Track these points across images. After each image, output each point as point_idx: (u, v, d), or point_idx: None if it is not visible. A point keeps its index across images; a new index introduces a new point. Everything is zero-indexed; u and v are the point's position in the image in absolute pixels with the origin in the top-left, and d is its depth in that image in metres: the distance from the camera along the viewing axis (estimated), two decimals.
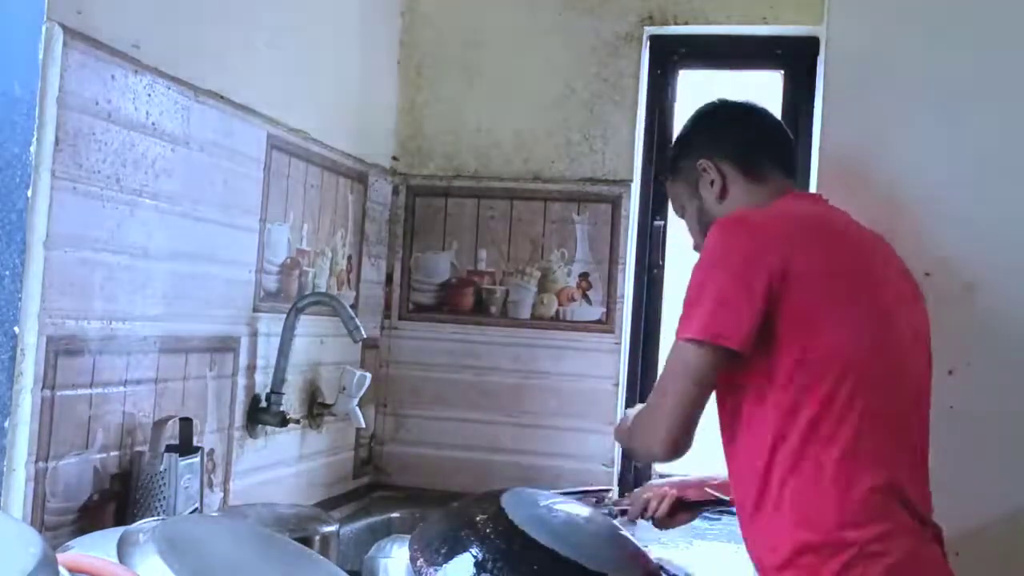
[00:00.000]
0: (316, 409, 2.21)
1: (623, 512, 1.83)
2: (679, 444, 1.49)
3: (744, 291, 1.45)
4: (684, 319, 1.50)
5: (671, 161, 1.79)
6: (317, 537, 1.58)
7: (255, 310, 1.97)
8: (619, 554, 1.46)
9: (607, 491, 2.11)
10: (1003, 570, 1.86)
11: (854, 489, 1.42)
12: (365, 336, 2.05)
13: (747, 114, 1.77)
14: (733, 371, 1.49)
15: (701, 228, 1.68)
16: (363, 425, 2.25)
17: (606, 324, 2.51)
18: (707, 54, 2.61)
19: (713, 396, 1.54)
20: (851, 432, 1.44)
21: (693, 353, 1.47)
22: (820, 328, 1.46)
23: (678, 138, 1.80)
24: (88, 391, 1.50)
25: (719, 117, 1.77)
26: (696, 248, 1.73)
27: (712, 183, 1.67)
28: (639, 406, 1.71)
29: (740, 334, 1.44)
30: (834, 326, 1.47)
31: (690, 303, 1.50)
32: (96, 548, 1.09)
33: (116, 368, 1.56)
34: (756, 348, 1.46)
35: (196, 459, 1.64)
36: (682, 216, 1.78)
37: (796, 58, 2.51)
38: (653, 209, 2.61)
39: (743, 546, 2.13)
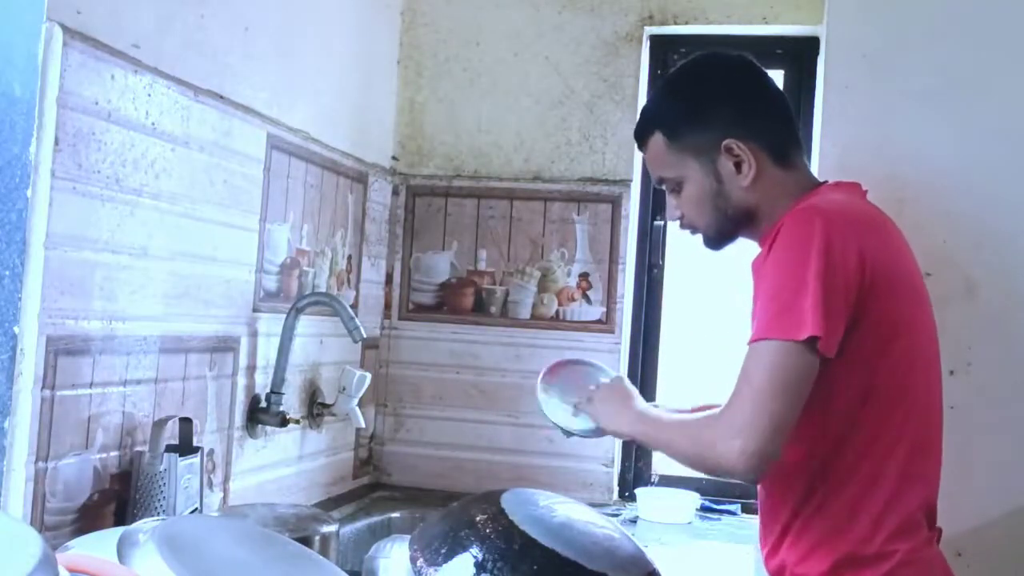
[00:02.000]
0: (316, 409, 2.21)
1: None
2: (760, 459, 1.29)
3: (842, 293, 1.31)
4: (783, 316, 1.30)
5: (668, 124, 1.51)
6: (317, 537, 1.58)
7: (255, 310, 1.97)
8: (619, 554, 1.46)
9: None
10: (1004, 570, 1.86)
11: (904, 504, 1.39)
12: (365, 336, 2.05)
13: (768, 85, 1.54)
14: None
15: (715, 214, 1.50)
16: (363, 425, 2.25)
17: (606, 324, 2.51)
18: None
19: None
20: (908, 447, 1.39)
21: (801, 354, 1.29)
22: (896, 336, 1.37)
23: (688, 97, 1.52)
24: (88, 391, 1.50)
25: (742, 85, 1.52)
26: (687, 226, 1.56)
27: (740, 168, 1.46)
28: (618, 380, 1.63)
29: (835, 336, 1.30)
30: (907, 335, 1.39)
31: (787, 301, 1.30)
32: (96, 548, 1.09)
33: (116, 368, 1.56)
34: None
35: (196, 459, 1.64)
36: (672, 188, 1.54)
37: (796, 58, 2.52)
38: (653, 209, 2.61)
39: (742, 546, 2.13)
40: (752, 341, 1.34)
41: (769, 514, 1.49)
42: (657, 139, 1.53)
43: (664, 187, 1.56)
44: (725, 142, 1.46)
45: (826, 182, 1.53)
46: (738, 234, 1.54)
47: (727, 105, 1.49)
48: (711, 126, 1.47)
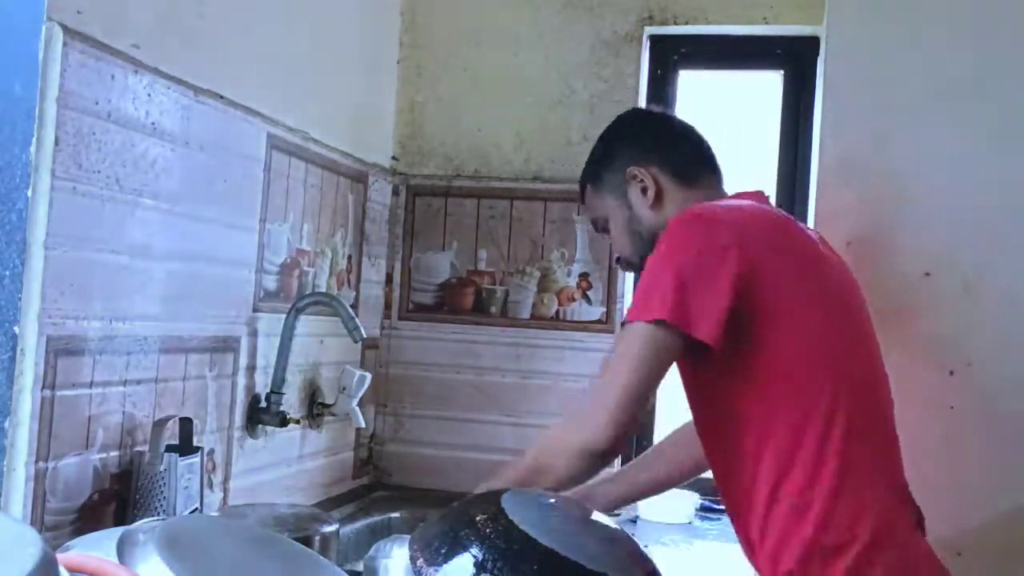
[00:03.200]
0: (316, 409, 2.21)
1: None
2: (621, 436, 1.39)
3: (710, 281, 1.39)
4: (641, 303, 1.41)
5: (591, 172, 1.71)
6: (317, 537, 1.58)
7: (255, 310, 1.97)
8: (619, 554, 1.45)
9: None
10: (1005, 570, 1.86)
11: (854, 486, 1.41)
12: (365, 336, 2.05)
13: (666, 120, 1.77)
14: (716, 369, 1.43)
15: (632, 239, 1.65)
16: (363, 425, 2.25)
17: (606, 324, 2.51)
18: (707, 54, 2.61)
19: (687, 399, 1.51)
20: (843, 427, 1.42)
21: (653, 336, 1.38)
22: (804, 322, 1.44)
23: (599, 149, 1.73)
24: (88, 391, 1.50)
25: (641, 124, 1.75)
26: (620, 262, 1.72)
27: (644, 190, 1.62)
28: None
29: (708, 323, 1.37)
30: (815, 320, 1.45)
31: (647, 289, 1.42)
32: (96, 548, 1.09)
33: (116, 368, 1.56)
34: (739, 345, 1.40)
35: (196, 459, 1.64)
36: (602, 230, 1.71)
37: (796, 58, 2.52)
38: None
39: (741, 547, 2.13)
40: (623, 323, 1.46)
41: (748, 509, 1.50)
42: (586, 191, 1.73)
43: (599, 231, 1.73)
44: (628, 170, 1.64)
45: (735, 194, 1.62)
46: None
47: (628, 141, 1.69)
48: (617, 162, 1.66)
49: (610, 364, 1.43)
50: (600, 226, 1.72)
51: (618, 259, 1.72)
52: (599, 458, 1.43)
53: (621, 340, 1.44)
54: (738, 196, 1.62)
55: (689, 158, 1.66)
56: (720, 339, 1.38)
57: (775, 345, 1.43)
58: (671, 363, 1.43)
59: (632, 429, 1.41)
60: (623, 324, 1.45)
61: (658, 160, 1.64)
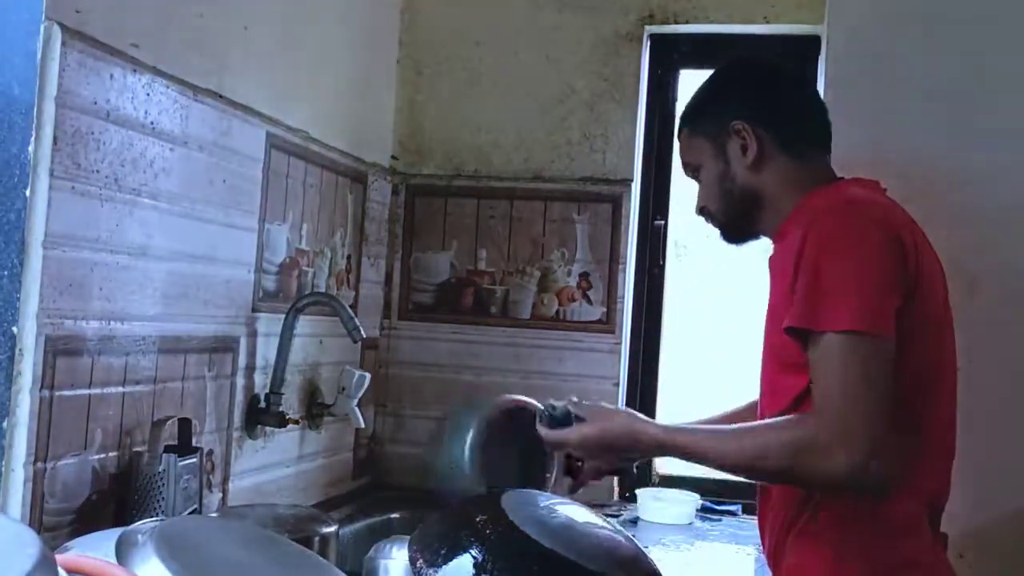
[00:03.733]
0: (315, 409, 2.21)
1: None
2: (873, 466, 1.26)
3: (890, 282, 1.31)
4: (830, 308, 1.29)
5: (694, 111, 1.61)
6: (316, 538, 1.57)
7: (254, 310, 1.97)
8: (619, 554, 1.45)
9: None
10: (1006, 571, 1.86)
11: (903, 504, 1.38)
12: (365, 336, 2.05)
13: (792, 82, 1.63)
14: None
15: (722, 195, 1.54)
16: (363, 425, 2.24)
17: (606, 324, 2.51)
18: (707, 53, 2.61)
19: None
20: (941, 447, 1.41)
21: (865, 348, 1.27)
22: (925, 332, 1.36)
23: (708, 89, 1.62)
24: (87, 391, 1.49)
25: (761, 78, 1.60)
26: (703, 212, 1.59)
27: (744, 149, 1.51)
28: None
29: (891, 327, 1.29)
30: (935, 333, 1.40)
31: (832, 291, 1.29)
32: (95, 549, 1.08)
33: (115, 368, 1.56)
34: None
35: (195, 459, 1.64)
36: (693, 175, 1.60)
37: (796, 58, 2.51)
38: (653, 209, 2.61)
39: (743, 547, 2.13)
40: (831, 331, 1.29)
41: (770, 512, 1.49)
42: (684, 131, 1.61)
43: (690, 175, 1.61)
44: (733, 123, 1.51)
45: (842, 179, 1.53)
46: (748, 223, 1.55)
47: (740, 92, 1.57)
48: (724, 110, 1.54)
49: (827, 389, 1.29)
50: (691, 170, 1.60)
51: (701, 208, 1.60)
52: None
53: (822, 360, 1.30)
54: (856, 183, 1.50)
55: (803, 133, 1.54)
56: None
57: (915, 352, 1.34)
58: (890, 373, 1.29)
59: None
60: (812, 332, 1.31)
61: (769, 123, 1.52)
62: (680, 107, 2.59)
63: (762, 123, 1.51)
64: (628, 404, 2.48)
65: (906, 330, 1.31)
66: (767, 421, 1.42)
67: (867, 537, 1.37)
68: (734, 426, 1.48)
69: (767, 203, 1.51)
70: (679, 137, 1.63)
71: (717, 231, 1.60)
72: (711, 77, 1.65)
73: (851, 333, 1.28)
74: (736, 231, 1.59)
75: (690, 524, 2.36)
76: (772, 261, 1.49)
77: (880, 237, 1.33)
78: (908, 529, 1.38)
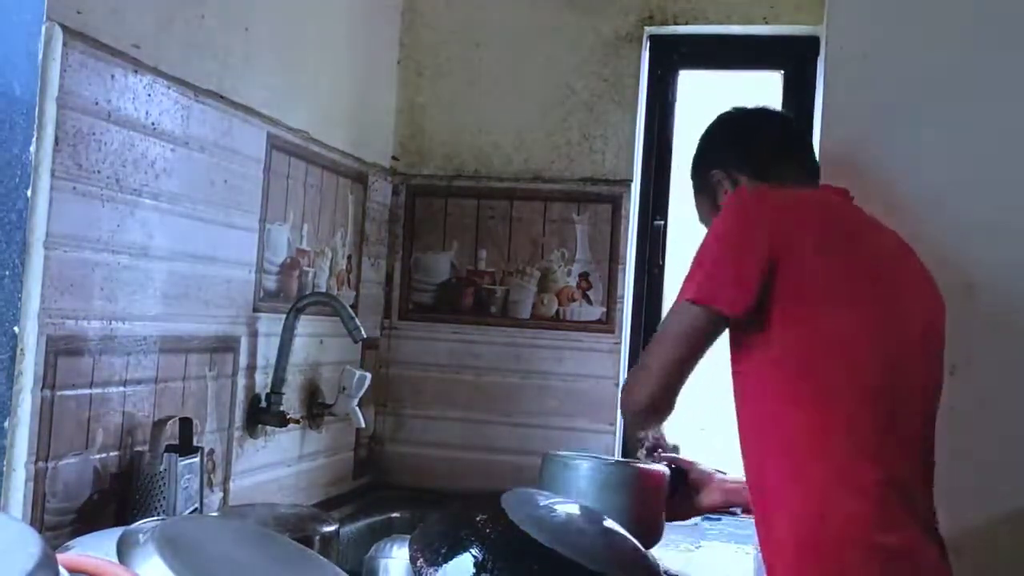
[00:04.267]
0: (316, 409, 2.21)
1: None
2: (659, 406, 1.55)
3: (738, 259, 1.48)
4: (684, 283, 1.53)
5: (691, 178, 1.81)
6: (317, 537, 1.58)
7: (255, 310, 1.97)
8: (619, 554, 1.46)
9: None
10: (1005, 570, 1.86)
11: (853, 483, 1.43)
12: (365, 336, 2.05)
13: (757, 119, 1.79)
14: (744, 360, 1.52)
15: None
16: (363, 425, 2.25)
17: (606, 324, 2.51)
18: (707, 54, 2.61)
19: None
20: (846, 421, 1.45)
21: (688, 314, 1.50)
22: (819, 309, 1.47)
23: (694, 152, 1.83)
24: (88, 391, 1.50)
25: (729, 126, 1.79)
26: None
27: (726, 193, 1.68)
28: None
29: (729, 299, 1.47)
30: (834, 308, 1.48)
31: (691, 268, 1.53)
32: (96, 548, 1.09)
33: (116, 368, 1.56)
34: (756, 326, 1.47)
35: (196, 459, 1.64)
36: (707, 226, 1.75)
37: (796, 58, 2.51)
38: (653, 209, 2.61)
39: (743, 547, 2.13)
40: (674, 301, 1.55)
41: (751, 485, 1.57)
42: (695, 195, 1.82)
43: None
44: (712, 172, 1.72)
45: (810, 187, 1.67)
46: None
47: (714, 143, 1.79)
48: (703, 166, 1.76)
49: (653, 341, 1.57)
50: (705, 224, 1.78)
51: None
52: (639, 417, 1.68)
53: (664, 319, 1.57)
54: (816, 187, 1.67)
55: (770, 157, 1.70)
56: (742, 314, 1.47)
57: (792, 341, 1.47)
58: (705, 341, 1.52)
59: (672, 396, 1.56)
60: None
61: (738, 162, 1.70)
62: (680, 108, 2.61)
63: (733, 165, 1.70)
64: None
65: (773, 298, 1.46)
66: None
67: (814, 516, 1.44)
68: None
69: None
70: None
71: None
72: (698, 141, 1.84)
73: (685, 302, 1.52)
74: None
75: (695, 525, 2.35)
76: None
77: (742, 221, 1.52)
78: (860, 517, 1.42)
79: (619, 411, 1.83)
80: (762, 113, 1.81)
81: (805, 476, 1.45)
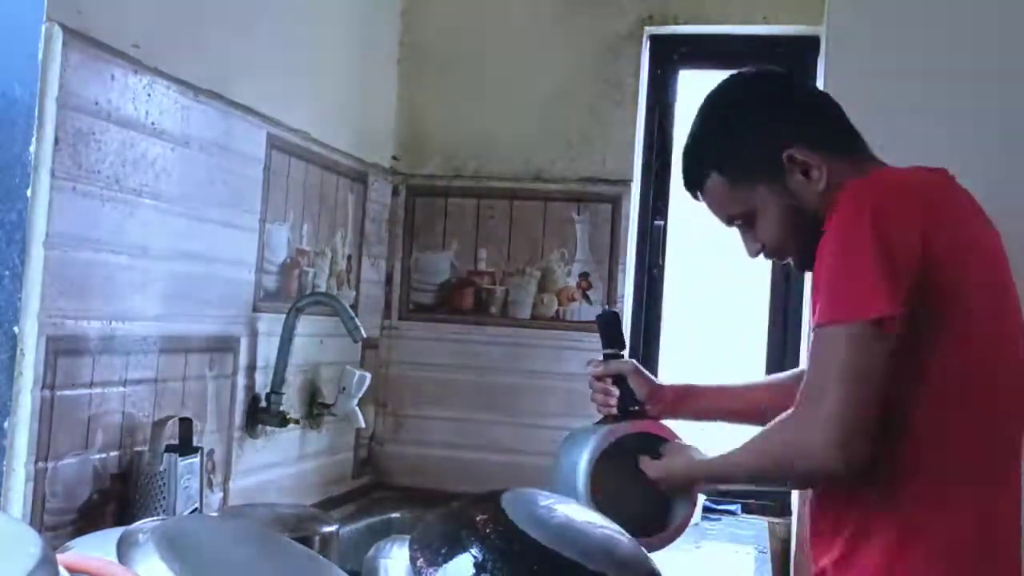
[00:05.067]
0: (316, 409, 2.21)
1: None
2: (853, 450, 1.21)
3: (888, 262, 1.22)
4: (826, 302, 1.25)
5: (718, 161, 1.44)
6: (317, 537, 1.58)
7: (255, 310, 1.97)
8: (619, 554, 1.45)
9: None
10: None
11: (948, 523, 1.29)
12: (365, 336, 2.05)
13: (809, 88, 1.56)
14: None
15: (796, 230, 1.41)
16: (363, 425, 2.25)
17: None
18: (707, 54, 2.61)
19: None
20: (956, 447, 1.29)
21: (845, 338, 1.22)
22: (975, 316, 1.28)
23: (737, 129, 1.44)
24: (88, 391, 1.50)
25: (785, 98, 1.47)
26: (774, 255, 1.48)
27: (810, 174, 1.38)
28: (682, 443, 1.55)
29: (889, 308, 1.21)
30: (989, 317, 1.30)
31: (830, 283, 1.25)
32: (96, 548, 1.09)
33: (116, 368, 1.56)
34: (912, 341, 1.24)
35: (196, 459, 1.64)
36: (744, 222, 1.46)
37: (796, 58, 2.51)
38: (653, 209, 2.61)
39: (743, 547, 2.12)
40: (816, 326, 1.26)
41: (828, 519, 1.37)
42: (713, 179, 1.45)
43: (734, 224, 1.48)
44: (785, 154, 1.38)
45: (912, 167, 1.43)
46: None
47: (771, 118, 1.43)
48: (762, 145, 1.40)
49: (808, 382, 1.27)
50: (741, 221, 1.46)
51: (763, 250, 1.47)
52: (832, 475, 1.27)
53: (829, 344, 1.25)
54: (915, 169, 1.41)
55: (841, 127, 1.44)
56: (898, 326, 1.22)
57: (949, 346, 1.27)
58: (879, 363, 1.23)
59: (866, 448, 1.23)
60: (818, 326, 1.26)
61: (814, 135, 1.39)
62: (680, 108, 2.60)
63: (811, 140, 1.39)
64: None
65: (922, 311, 1.24)
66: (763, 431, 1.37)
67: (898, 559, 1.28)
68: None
69: None
70: (702, 188, 1.48)
71: (791, 264, 1.48)
72: (722, 109, 1.48)
73: (836, 325, 1.24)
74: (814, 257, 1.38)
75: (696, 524, 2.35)
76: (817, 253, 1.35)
77: (875, 220, 1.24)
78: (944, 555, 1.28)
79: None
80: (795, 79, 1.55)
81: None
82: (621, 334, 1.71)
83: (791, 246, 1.44)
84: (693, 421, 1.71)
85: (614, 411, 1.65)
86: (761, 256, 1.48)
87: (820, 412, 1.22)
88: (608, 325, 1.71)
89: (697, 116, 1.50)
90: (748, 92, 1.48)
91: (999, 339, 1.33)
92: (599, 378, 1.67)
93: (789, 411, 1.30)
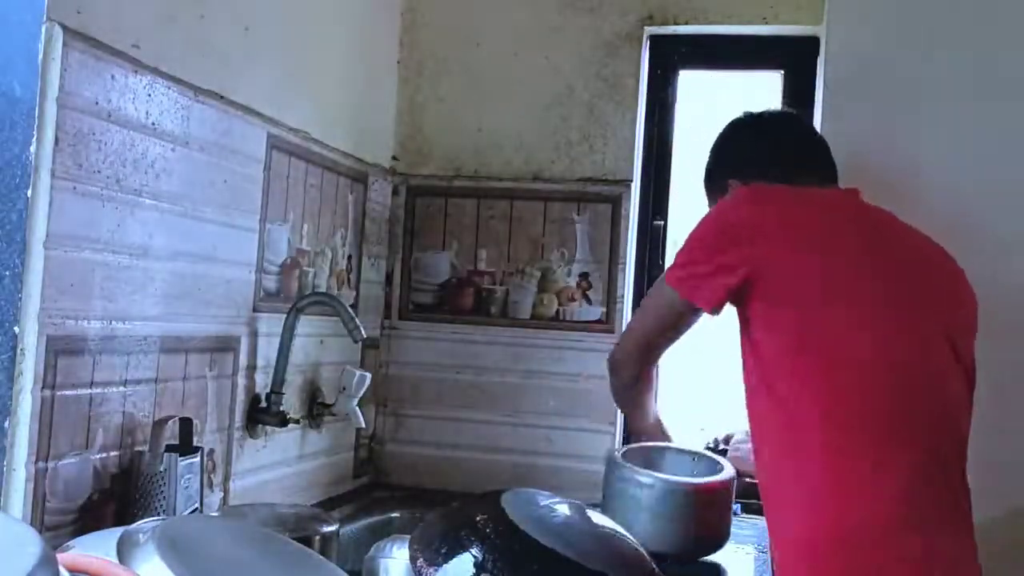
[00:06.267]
0: (316, 409, 2.21)
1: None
2: (626, 365, 1.77)
3: (713, 262, 1.54)
4: (675, 261, 1.62)
5: (704, 182, 1.84)
6: (317, 537, 1.58)
7: (255, 310, 1.97)
8: (619, 554, 1.46)
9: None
10: (1004, 570, 1.86)
11: (831, 499, 1.47)
12: (365, 336, 2.05)
13: (774, 126, 1.81)
14: (744, 351, 1.57)
15: None
16: (363, 425, 2.25)
17: (606, 324, 2.51)
18: (707, 54, 2.61)
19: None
20: (822, 420, 1.48)
21: (669, 297, 1.62)
22: (803, 310, 1.51)
23: (708, 159, 1.85)
24: (88, 391, 1.50)
25: (744, 133, 1.81)
26: None
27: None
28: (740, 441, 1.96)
29: (705, 298, 1.55)
30: (823, 308, 1.50)
31: (681, 250, 1.62)
32: (96, 548, 1.09)
33: (116, 368, 1.56)
34: (746, 327, 1.54)
35: (196, 459, 1.64)
36: None
37: (796, 58, 2.51)
38: (653, 209, 2.61)
39: (743, 546, 2.13)
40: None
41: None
42: (708, 202, 1.84)
43: None
44: (729, 181, 1.75)
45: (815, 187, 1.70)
46: None
47: (729, 151, 1.82)
48: (716, 175, 1.81)
49: (641, 306, 1.77)
50: None
51: None
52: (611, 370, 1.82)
53: (652, 289, 1.75)
54: (818, 189, 1.68)
55: (785, 164, 1.72)
56: (712, 308, 1.56)
57: (775, 335, 1.51)
58: (680, 324, 1.66)
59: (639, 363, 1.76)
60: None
61: (753, 170, 1.71)
62: (680, 108, 2.61)
63: (751, 174, 1.70)
64: None
65: (750, 296, 1.52)
66: None
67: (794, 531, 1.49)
68: None
69: None
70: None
71: None
72: (715, 142, 1.86)
73: (669, 283, 1.62)
74: None
75: None
76: None
77: (717, 221, 1.60)
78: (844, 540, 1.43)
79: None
80: (779, 118, 1.85)
81: (806, 476, 1.45)
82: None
83: None
84: None
85: None
86: None
87: (632, 328, 1.81)
88: None
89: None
90: (727, 130, 1.84)
91: (840, 330, 1.52)
92: None
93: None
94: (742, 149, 1.80)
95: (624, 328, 1.85)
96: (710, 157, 1.85)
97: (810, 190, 1.65)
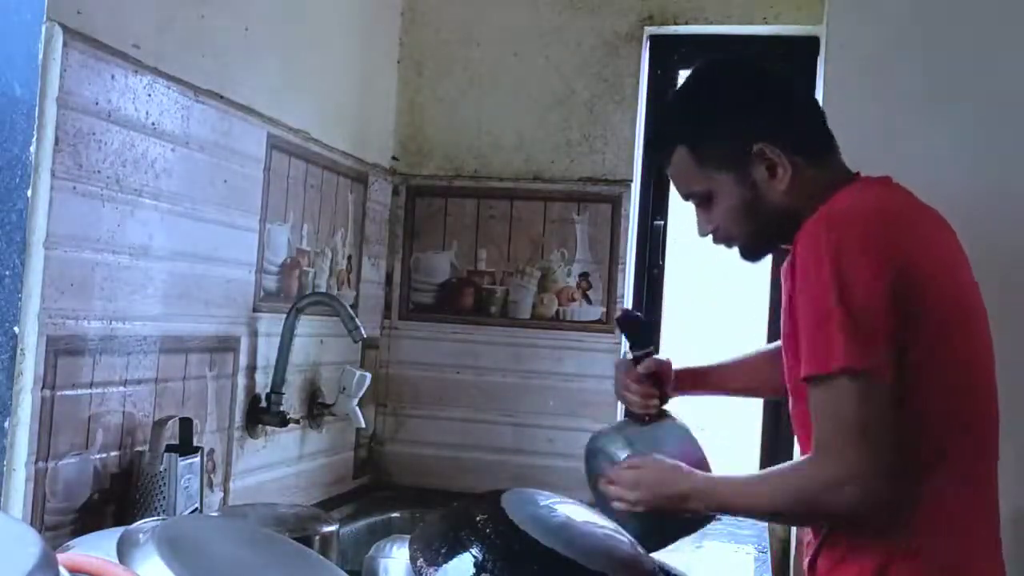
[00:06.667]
0: (316, 409, 2.21)
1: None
2: (877, 494, 1.25)
3: (882, 308, 1.24)
4: (821, 346, 1.24)
5: (690, 137, 1.44)
6: (317, 537, 1.58)
7: (255, 310, 1.97)
8: (619, 554, 1.46)
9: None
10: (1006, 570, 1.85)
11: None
12: (365, 336, 2.05)
13: (793, 86, 1.51)
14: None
15: (750, 222, 1.43)
16: (363, 425, 2.25)
17: (606, 324, 2.51)
18: (707, 54, 2.61)
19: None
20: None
21: (854, 388, 1.23)
22: (954, 344, 1.34)
23: (713, 112, 1.45)
24: (88, 391, 1.50)
25: (759, 87, 1.46)
26: (717, 236, 1.48)
27: (775, 172, 1.39)
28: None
29: (883, 364, 1.24)
30: (965, 343, 1.37)
31: (819, 325, 1.24)
32: (96, 548, 1.09)
33: (116, 368, 1.56)
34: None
35: (196, 459, 1.64)
36: (700, 202, 1.47)
37: (796, 58, 2.51)
38: (653, 209, 2.61)
39: (743, 546, 2.13)
40: (813, 375, 1.26)
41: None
42: (681, 153, 1.45)
43: (692, 201, 1.49)
44: (755, 148, 1.39)
45: (858, 174, 1.46)
46: (778, 240, 1.45)
47: (750, 110, 1.43)
48: (736, 134, 1.40)
49: (819, 437, 1.28)
50: (698, 200, 1.47)
51: (714, 232, 1.48)
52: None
53: (817, 406, 1.27)
54: (866, 182, 1.44)
55: (817, 131, 1.45)
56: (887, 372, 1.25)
57: (928, 371, 1.30)
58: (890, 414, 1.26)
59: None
60: (809, 379, 1.27)
61: (786, 135, 1.40)
62: None
63: (783, 139, 1.39)
64: None
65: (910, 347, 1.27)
66: (777, 471, 1.40)
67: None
68: (754, 475, 1.50)
69: (802, 218, 1.34)
70: (668, 159, 1.48)
71: (735, 250, 1.50)
72: (702, 90, 1.49)
73: (841, 373, 1.24)
74: (762, 250, 1.51)
75: None
76: (784, 271, 1.37)
77: (837, 266, 1.25)
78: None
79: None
80: (782, 76, 1.54)
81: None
82: (649, 333, 1.73)
83: (741, 236, 1.46)
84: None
85: (654, 411, 1.65)
86: (710, 237, 1.50)
87: (844, 465, 1.24)
88: (632, 326, 1.72)
89: (683, 84, 1.52)
90: (737, 78, 1.49)
91: (973, 366, 1.39)
92: (638, 379, 1.66)
93: (804, 459, 1.33)
94: (772, 107, 1.43)
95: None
96: (708, 111, 1.45)
97: (899, 188, 1.44)
